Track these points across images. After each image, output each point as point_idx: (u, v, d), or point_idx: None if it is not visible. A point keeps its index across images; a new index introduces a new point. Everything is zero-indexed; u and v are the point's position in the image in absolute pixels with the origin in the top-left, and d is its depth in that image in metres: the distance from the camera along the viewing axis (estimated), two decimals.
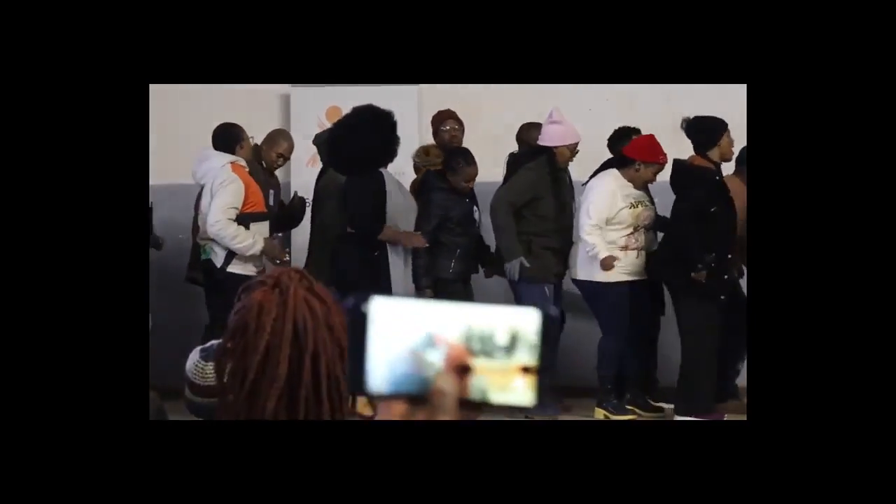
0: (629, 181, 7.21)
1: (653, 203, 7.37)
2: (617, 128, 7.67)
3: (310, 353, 1.96)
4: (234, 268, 7.03)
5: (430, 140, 7.87)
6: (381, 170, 6.74)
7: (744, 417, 4.56)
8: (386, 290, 6.54)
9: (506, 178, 7.43)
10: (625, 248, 7.21)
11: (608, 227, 7.18)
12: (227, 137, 7.19)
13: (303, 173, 8.35)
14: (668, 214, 7.23)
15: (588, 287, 7.27)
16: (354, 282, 6.44)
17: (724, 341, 6.80)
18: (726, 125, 6.94)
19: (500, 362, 1.16)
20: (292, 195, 7.89)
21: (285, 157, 7.74)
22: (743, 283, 6.94)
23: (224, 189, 6.95)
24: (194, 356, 3.33)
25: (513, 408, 1.17)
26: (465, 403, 1.17)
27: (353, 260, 6.62)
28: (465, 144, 7.60)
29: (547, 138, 7.30)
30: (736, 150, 7.04)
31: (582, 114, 8.02)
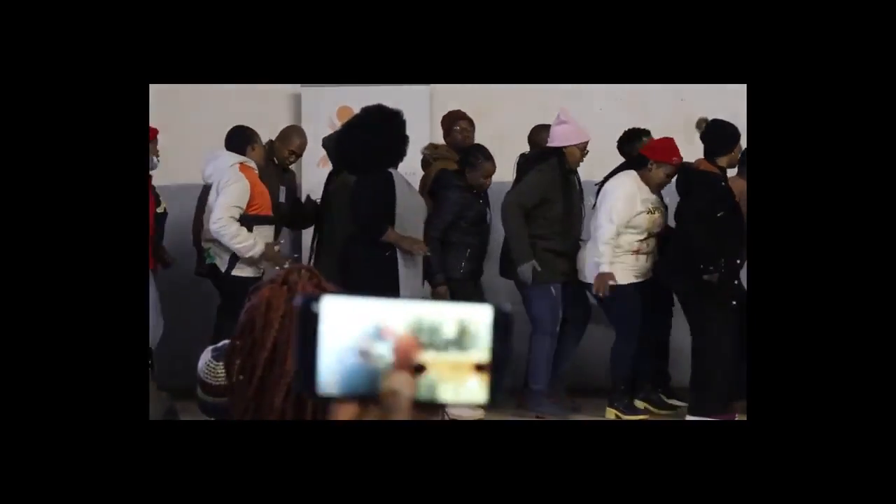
0: (645, 183, 7.20)
1: (665, 209, 7.38)
2: (626, 129, 7.66)
3: None
4: (239, 272, 7.04)
5: (441, 141, 7.87)
6: (391, 170, 6.73)
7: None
8: (394, 290, 6.54)
9: (516, 181, 7.42)
10: (636, 252, 7.21)
11: (624, 231, 7.17)
12: (238, 138, 7.19)
13: (314, 174, 8.35)
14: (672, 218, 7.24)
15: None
16: (363, 282, 6.44)
17: (734, 341, 6.78)
18: (740, 134, 6.93)
19: (452, 357, 1.15)
20: (304, 197, 7.89)
21: (297, 154, 7.74)
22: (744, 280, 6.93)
23: (229, 188, 6.94)
24: (206, 356, 3.34)
25: (467, 405, 1.16)
26: (418, 403, 1.16)
27: (362, 260, 6.61)
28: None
29: (556, 139, 7.28)
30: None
31: (592, 114, 8.02)
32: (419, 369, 1.15)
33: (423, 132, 7.87)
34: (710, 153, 7.04)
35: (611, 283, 7.08)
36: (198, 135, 7.97)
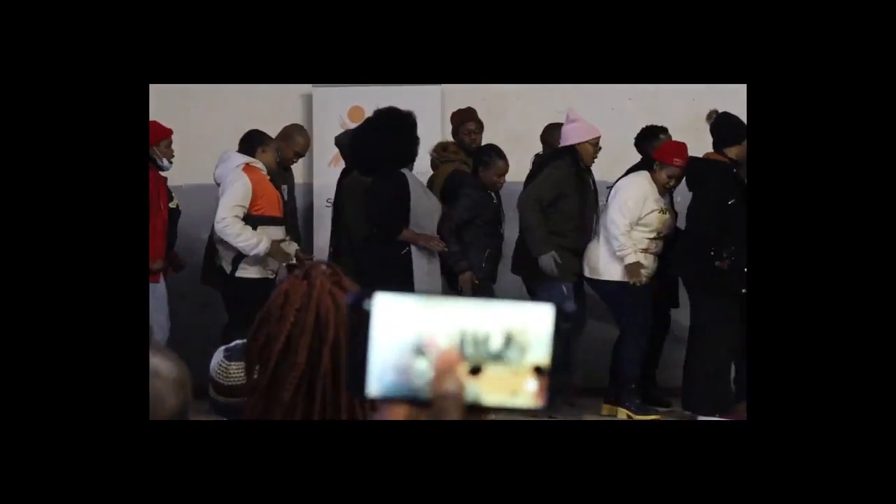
0: (656, 183, 7.22)
1: (675, 212, 7.41)
2: (644, 127, 7.66)
3: (329, 345, 1.96)
4: (243, 272, 7.03)
5: (451, 139, 7.87)
6: (405, 171, 6.74)
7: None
8: (409, 290, 6.50)
9: (531, 178, 7.41)
10: (645, 250, 7.22)
11: (636, 228, 7.18)
12: (249, 141, 7.20)
13: (325, 173, 8.35)
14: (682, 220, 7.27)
15: (606, 287, 7.25)
16: (378, 282, 6.43)
17: (739, 338, 6.76)
18: None
19: (511, 364, 1.11)
20: (314, 196, 7.89)
21: (301, 155, 7.74)
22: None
23: (232, 187, 6.95)
24: (218, 356, 3.33)
25: (522, 410, 1.12)
26: (471, 406, 1.12)
27: (377, 260, 6.62)
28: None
29: (568, 138, 7.29)
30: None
31: (605, 113, 8.01)
32: (474, 371, 1.11)
33: (434, 132, 7.87)
34: (718, 144, 7.09)
35: (619, 279, 7.09)
36: (209, 135, 7.98)
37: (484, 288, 7.22)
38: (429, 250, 6.77)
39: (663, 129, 7.54)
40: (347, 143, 7.14)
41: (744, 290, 6.69)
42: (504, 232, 7.48)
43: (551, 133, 7.61)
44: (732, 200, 6.75)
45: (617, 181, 7.40)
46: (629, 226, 7.12)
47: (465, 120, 7.73)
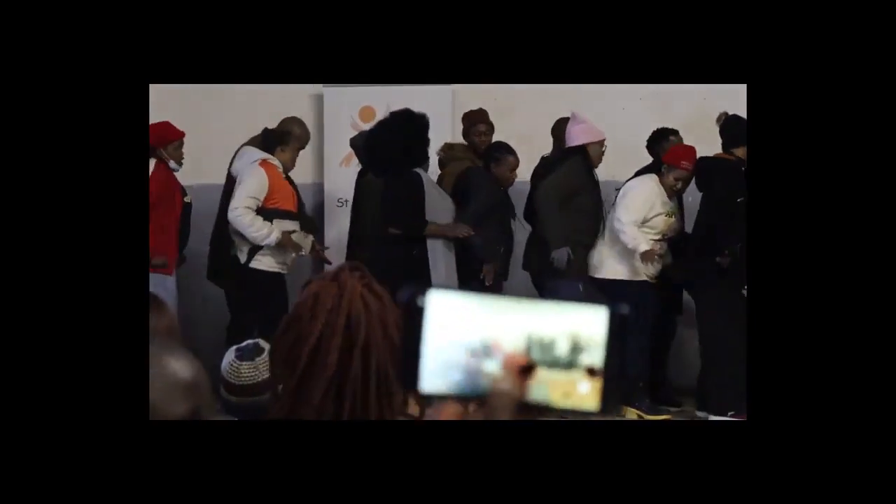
0: (663, 186, 7.27)
1: (683, 217, 7.43)
2: (655, 129, 7.67)
3: (360, 347, 1.96)
4: (257, 263, 7.10)
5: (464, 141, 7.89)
6: (419, 171, 6.78)
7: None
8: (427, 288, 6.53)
9: (541, 177, 7.43)
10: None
11: (642, 228, 7.23)
12: (270, 138, 7.28)
13: (336, 173, 8.36)
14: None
15: (611, 285, 7.28)
16: (394, 281, 6.43)
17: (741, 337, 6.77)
18: None
19: (572, 367, 1.10)
20: (325, 196, 7.91)
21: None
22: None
23: (248, 179, 7.03)
24: (229, 356, 3.35)
25: (577, 411, 1.11)
26: (526, 406, 1.12)
27: (393, 259, 6.64)
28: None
29: (577, 138, 7.34)
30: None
31: (615, 113, 8.02)
32: (528, 370, 1.10)
33: (445, 132, 7.87)
34: (726, 145, 7.15)
35: (624, 277, 7.13)
36: (220, 135, 7.99)
37: (496, 284, 7.24)
38: (444, 249, 6.79)
39: (674, 132, 7.55)
40: (362, 144, 7.17)
41: (744, 290, 6.72)
42: (514, 229, 7.50)
43: (562, 127, 7.62)
44: (741, 199, 6.76)
45: (625, 183, 7.42)
46: (635, 223, 7.18)
47: (477, 121, 7.75)
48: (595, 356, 1.11)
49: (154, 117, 7.03)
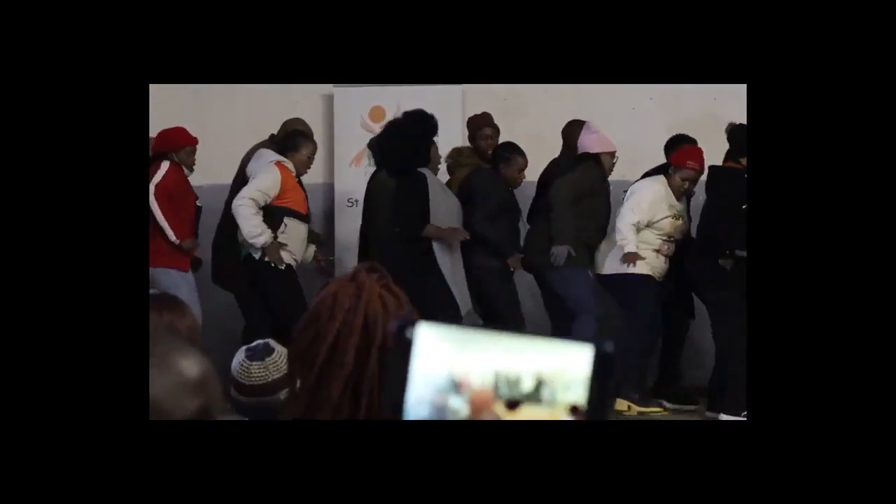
0: (671, 187, 7.32)
1: (690, 218, 7.48)
2: (672, 136, 7.69)
3: (377, 347, 1.98)
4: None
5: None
6: (424, 171, 6.80)
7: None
8: (440, 285, 6.63)
9: (540, 186, 7.49)
10: (657, 251, 7.33)
11: (648, 229, 7.28)
12: (287, 140, 7.34)
13: (346, 173, 8.37)
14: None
15: (615, 280, 7.32)
16: (406, 279, 6.45)
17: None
18: None
19: (544, 403, 1.11)
20: (336, 196, 7.93)
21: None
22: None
23: (261, 175, 7.08)
24: (240, 356, 3.36)
25: None
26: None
27: (400, 260, 6.65)
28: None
29: (591, 147, 7.39)
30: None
31: (626, 113, 8.02)
32: (512, 406, 1.11)
33: (455, 132, 7.88)
34: (732, 154, 7.16)
35: (627, 272, 7.16)
36: (231, 135, 8.01)
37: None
38: (452, 249, 6.82)
39: (692, 140, 7.56)
40: (376, 144, 7.22)
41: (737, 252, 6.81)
42: (521, 229, 7.53)
43: (572, 128, 7.63)
44: (745, 206, 6.79)
45: (633, 184, 7.46)
46: (638, 224, 7.22)
47: (482, 125, 7.76)
48: (573, 393, 1.11)
49: (164, 117, 7.08)
